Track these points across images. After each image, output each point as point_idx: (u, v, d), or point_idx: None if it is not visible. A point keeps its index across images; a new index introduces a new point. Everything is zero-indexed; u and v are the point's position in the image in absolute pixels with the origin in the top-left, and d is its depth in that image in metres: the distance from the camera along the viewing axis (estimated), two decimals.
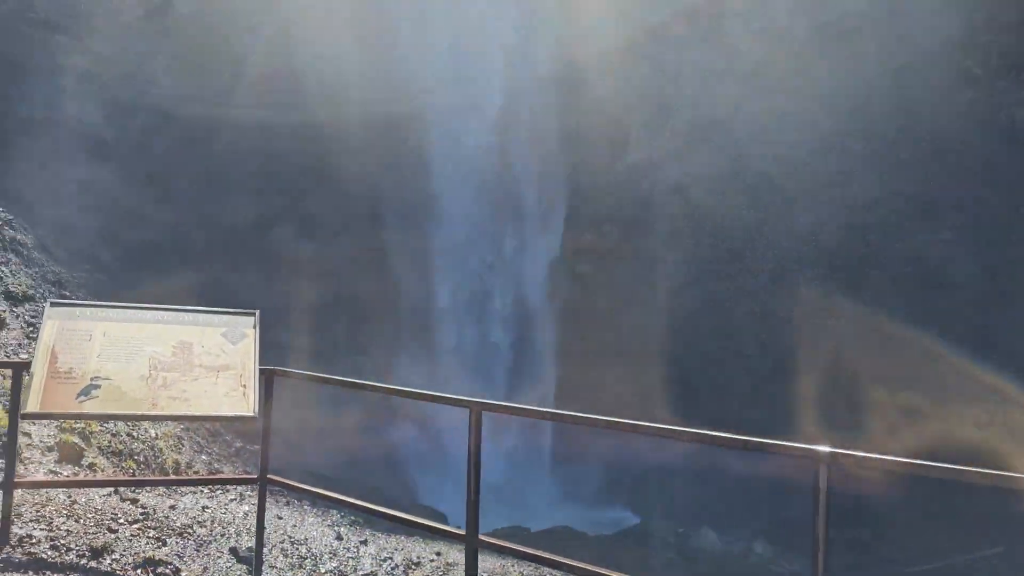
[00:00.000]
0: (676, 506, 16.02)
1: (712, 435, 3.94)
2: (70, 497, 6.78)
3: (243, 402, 5.80)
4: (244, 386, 5.92)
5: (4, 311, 9.16)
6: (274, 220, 14.97)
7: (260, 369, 6.01)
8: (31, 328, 9.07)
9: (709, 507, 15.56)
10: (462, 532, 4.93)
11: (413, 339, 17.96)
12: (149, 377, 5.83)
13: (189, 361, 5.91)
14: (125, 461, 8.72)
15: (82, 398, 5.59)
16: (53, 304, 6.05)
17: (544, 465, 18.26)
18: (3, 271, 9.61)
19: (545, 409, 4.63)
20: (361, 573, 8.86)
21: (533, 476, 17.95)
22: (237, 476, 9.05)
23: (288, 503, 10.22)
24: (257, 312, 6.32)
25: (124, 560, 5.77)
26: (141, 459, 8.75)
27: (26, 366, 5.68)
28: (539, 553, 4.63)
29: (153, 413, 5.65)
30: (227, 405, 5.75)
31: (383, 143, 17.01)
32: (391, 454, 16.19)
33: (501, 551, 4.99)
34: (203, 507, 8.31)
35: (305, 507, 9.70)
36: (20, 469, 7.46)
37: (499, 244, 19.31)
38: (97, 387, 5.68)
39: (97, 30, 13.82)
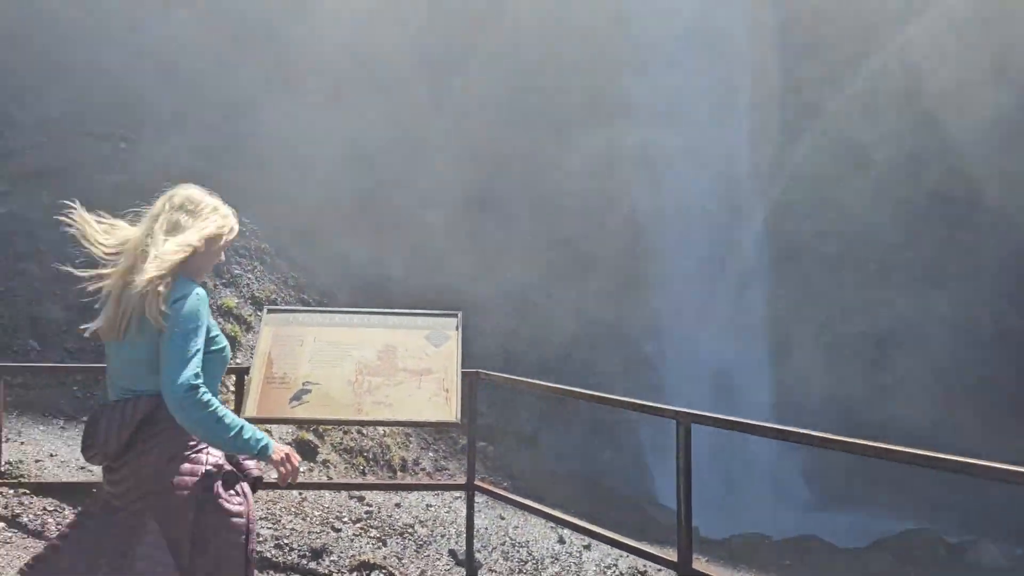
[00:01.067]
0: (941, 513, 14.02)
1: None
2: (300, 494, 7.06)
3: (446, 407, 5.64)
4: (447, 390, 5.76)
5: (250, 315, 9.95)
6: None
7: (463, 372, 5.81)
8: None
9: (987, 515, 13.43)
10: (673, 559, 4.33)
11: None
12: (355, 382, 5.85)
13: (393, 365, 5.85)
14: (356, 458, 9.06)
15: (294, 403, 5.71)
16: (270, 311, 6.29)
17: (780, 465, 16.88)
18: (250, 278, 10.47)
19: (768, 424, 3.89)
20: None
21: (767, 477, 16.71)
22: (444, 483, 9.03)
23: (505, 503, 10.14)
24: (459, 313, 6.14)
25: (341, 562, 5.82)
26: (370, 456, 9.05)
27: (246, 371, 5.93)
28: None
29: (358, 418, 5.66)
30: (429, 410, 5.61)
31: None
32: (628, 450, 15.75)
33: None
34: (427, 505, 8.38)
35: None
36: (260, 465, 7.95)
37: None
38: (308, 392, 5.78)
39: None
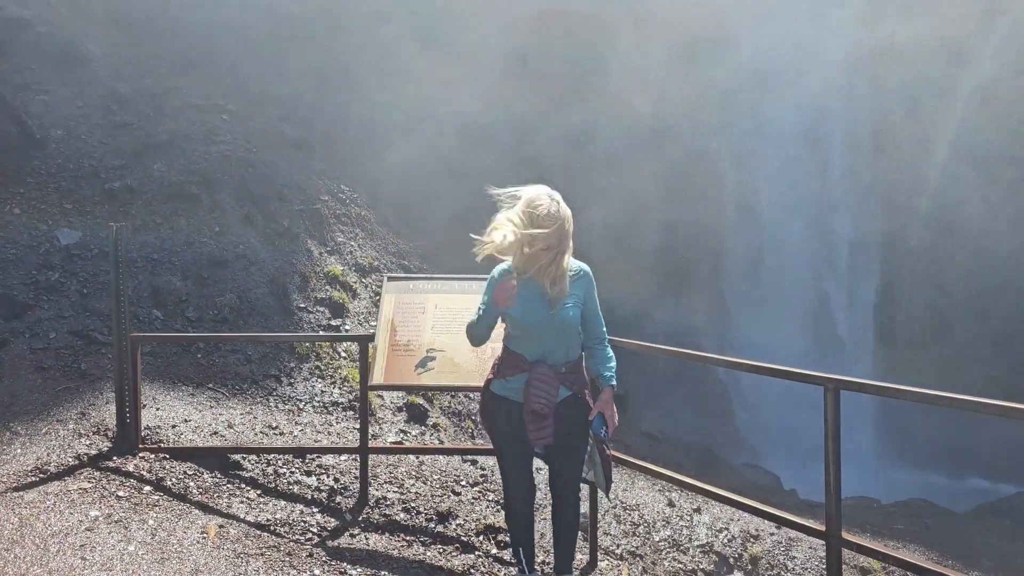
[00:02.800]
0: None
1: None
2: (418, 458, 7.19)
3: None
4: None
5: (356, 282, 10.12)
6: None
7: None
8: (376, 296, 9.92)
9: None
10: (822, 528, 4.21)
11: None
12: (479, 349, 5.89)
13: None
14: (464, 421, 9.18)
15: (420, 370, 5.77)
16: (390, 279, 6.35)
17: (882, 428, 16.40)
18: (353, 245, 10.63)
19: (916, 389, 3.70)
20: (696, 544, 8.45)
21: (869, 440, 16.29)
22: None
23: (617, 464, 10.13)
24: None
25: (467, 525, 5.90)
26: (477, 419, 9.15)
27: (370, 339, 6.01)
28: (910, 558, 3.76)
29: (481, 386, 5.68)
30: None
31: None
32: (720, 416, 15.57)
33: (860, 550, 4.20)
34: (537, 468, 8.45)
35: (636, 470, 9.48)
36: (375, 428, 8.14)
37: None
38: (432, 359, 5.83)
39: None
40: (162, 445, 6.33)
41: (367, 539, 5.34)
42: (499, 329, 4.28)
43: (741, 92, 16.99)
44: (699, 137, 16.50)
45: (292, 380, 8.49)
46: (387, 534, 5.51)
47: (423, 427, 8.60)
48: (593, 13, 15.87)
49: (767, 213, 17.63)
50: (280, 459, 6.51)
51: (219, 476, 6.02)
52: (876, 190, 17.08)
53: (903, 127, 16.58)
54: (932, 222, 16.41)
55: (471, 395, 9.29)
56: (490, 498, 6.83)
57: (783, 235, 17.44)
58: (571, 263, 4.00)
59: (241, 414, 7.52)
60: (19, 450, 5.92)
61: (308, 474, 6.41)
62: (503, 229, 3.90)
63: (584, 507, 5.47)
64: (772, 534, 8.90)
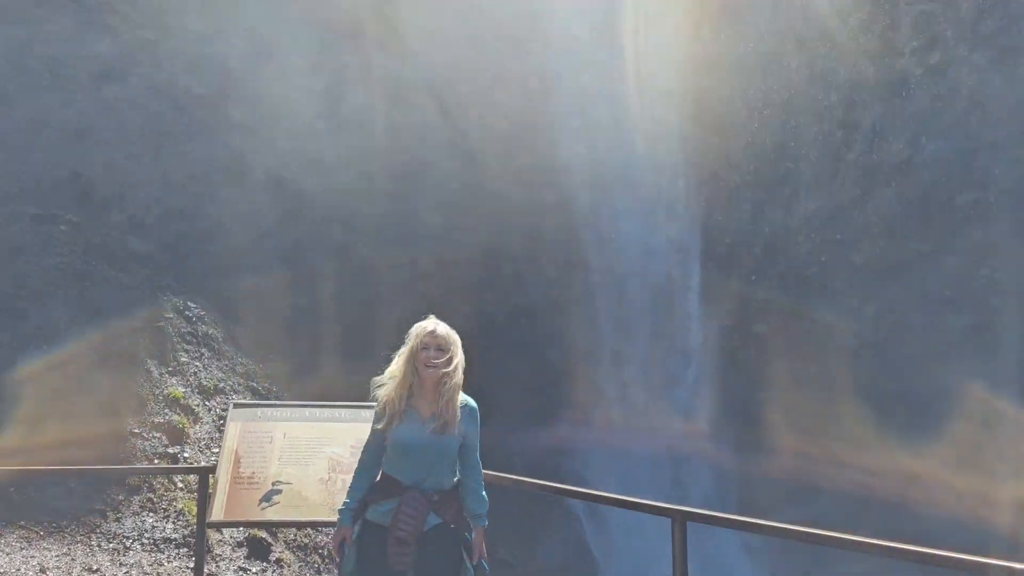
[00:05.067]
0: None
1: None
2: None
3: None
4: None
5: (198, 405, 9.57)
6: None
7: None
8: (221, 421, 9.39)
9: None
10: None
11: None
12: (328, 480, 5.66)
13: None
14: (311, 555, 8.66)
15: (264, 504, 5.47)
16: (236, 406, 6.07)
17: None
18: (197, 366, 10.12)
19: (763, 522, 3.89)
20: None
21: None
22: None
23: None
24: None
25: None
26: (325, 553, 8.67)
27: (211, 470, 5.67)
28: None
29: (332, 520, 5.44)
30: None
31: None
32: (577, 537, 15.54)
33: None
34: None
35: None
36: (212, 567, 7.52)
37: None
38: (278, 492, 5.56)
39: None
40: None
41: None
42: None
43: None
44: None
45: (120, 515, 7.78)
46: None
47: (266, 563, 8.05)
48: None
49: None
50: None
51: None
52: None
53: None
54: None
55: (320, 528, 8.83)
56: None
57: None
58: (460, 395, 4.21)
59: (57, 556, 6.78)
60: None
61: None
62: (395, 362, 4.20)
63: None
64: None
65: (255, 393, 10.50)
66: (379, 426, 4.10)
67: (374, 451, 4.22)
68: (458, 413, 4.08)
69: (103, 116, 13.90)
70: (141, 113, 14.21)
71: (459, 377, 4.15)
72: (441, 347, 4.10)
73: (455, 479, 4.18)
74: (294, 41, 16.01)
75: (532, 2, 18.86)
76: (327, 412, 6.03)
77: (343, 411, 6.08)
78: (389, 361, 4.25)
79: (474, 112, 17.55)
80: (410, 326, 4.26)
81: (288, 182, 14.83)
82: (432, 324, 4.20)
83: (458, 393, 4.13)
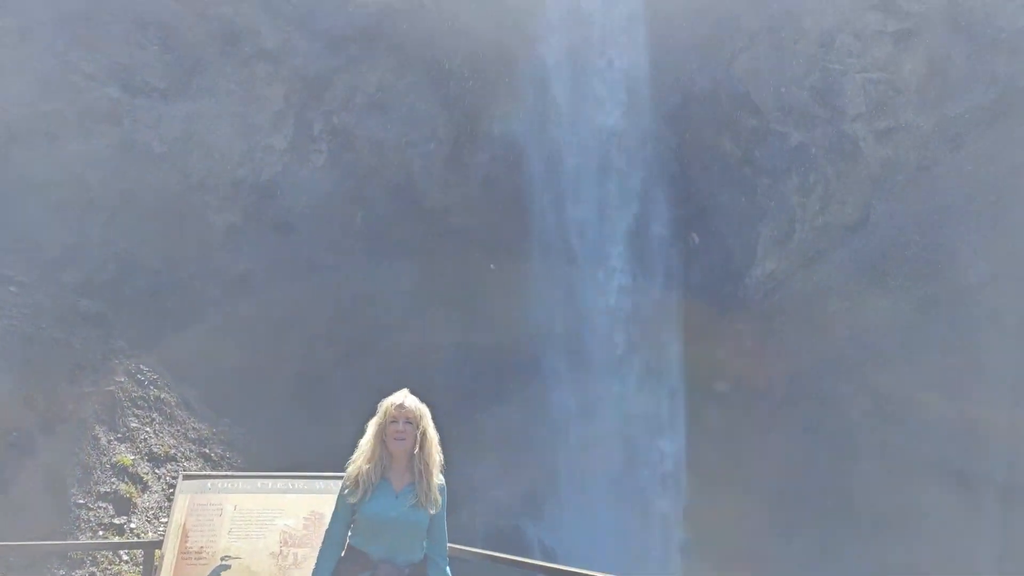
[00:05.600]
0: None
1: None
2: None
3: None
4: None
5: (147, 473, 9.26)
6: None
7: None
8: (171, 489, 9.09)
9: None
10: None
11: None
12: (279, 554, 5.47)
13: (320, 534, 5.52)
14: None
15: None
16: (186, 477, 5.88)
17: None
18: (148, 431, 9.82)
19: None
20: None
21: None
22: None
23: None
24: None
25: None
26: None
27: (158, 545, 5.45)
28: None
29: None
30: None
31: None
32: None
33: None
34: None
35: None
36: None
37: None
38: (227, 567, 5.35)
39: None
40: None
41: None
42: None
43: None
44: None
45: None
46: None
47: None
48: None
49: None
50: None
51: None
52: None
53: None
54: None
55: None
56: None
57: None
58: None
59: None
60: None
61: None
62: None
63: None
64: None
65: (208, 460, 10.21)
66: (352, 499, 4.08)
67: (343, 523, 4.20)
68: (435, 489, 4.11)
69: (60, 173, 13.75)
70: (100, 170, 14.09)
71: (435, 453, 4.16)
72: (410, 420, 4.10)
73: (423, 553, 4.18)
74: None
75: None
76: (280, 483, 5.86)
77: (297, 481, 5.91)
78: (361, 430, 4.23)
79: None
80: (370, 389, 4.26)
81: (248, 238, 14.74)
82: (401, 397, 4.19)
83: (435, 469, 4.14)
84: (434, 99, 16.27)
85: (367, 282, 15.34)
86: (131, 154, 14.38)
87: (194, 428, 10.42)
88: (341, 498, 4.19)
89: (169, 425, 10.14)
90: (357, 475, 4.08)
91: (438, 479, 4.16)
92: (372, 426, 4.15)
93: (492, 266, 15.93)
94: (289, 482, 5.90)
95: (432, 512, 4.10)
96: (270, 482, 5.85)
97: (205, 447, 10.26)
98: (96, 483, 8.70)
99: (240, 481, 5.88)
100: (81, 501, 8.46)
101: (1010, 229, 14.81)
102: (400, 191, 16.56)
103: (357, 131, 15.86)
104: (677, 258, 17.23)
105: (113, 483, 8.78)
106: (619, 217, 17.27)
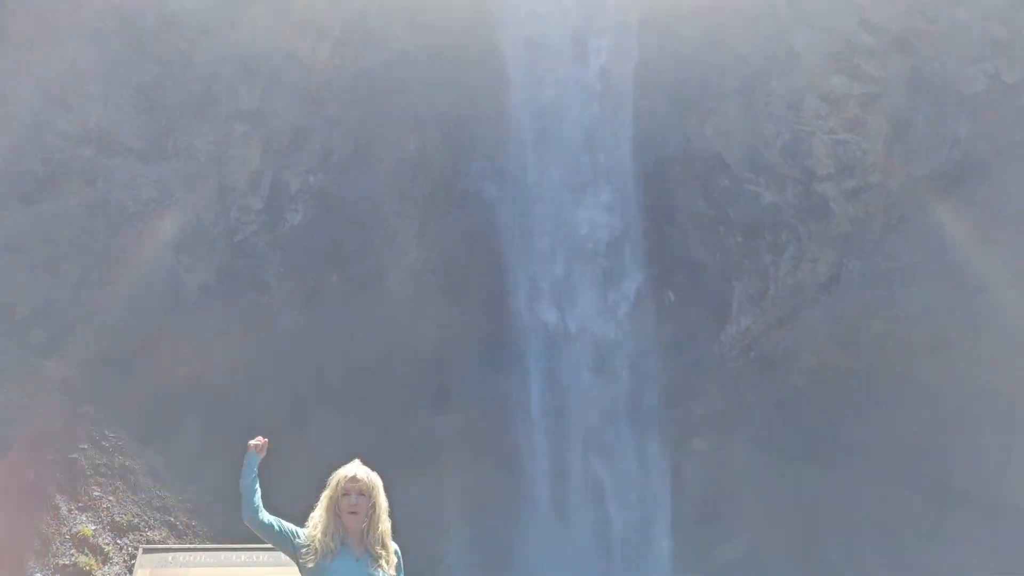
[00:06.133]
0: None
1: None
2: None
3: None
4: None
5: (109, 544, 8.95)
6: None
7: None
8: (133, 560, 8.76)
9: None
10: None
11: None
12: None
13: None
14: None
15: None
16: (146, 551, 5.70)
17: None
18: (110, 500, 9.53)
19: None
20: None
21: None
22: None
23: None
24: None
25: None
26: None
27: None
28: None
29: None
30: None
31: None
32: None
33: None
34: None
35: None
36: None
37: None
38: None
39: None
40: None
41: None
42: None
43: None
44: None
45: None
46: None
47: None
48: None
49: None
50: None
51: None
52: None
53: None
54: None
55: None
56: None
57: None
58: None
59: None
60: None
61: None
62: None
63: None
64: None
65: (172, 529, 9.90)
66: (310, 565, 4.05)
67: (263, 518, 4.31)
68: (392, 552, 4.13)
69: (30, 233, 13.62)
70: (71, 230, 13.98)
71: (386, 523, 4.15)
72: (363, 492, 4.06)
73: None
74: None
75: None
76: (244, 555, 5.69)
77: (262, 554, 5.74)
78: (316, 498, 4.20)
79: None
80: (340, 456, 4.26)
81: (221, 298, 14.61)
82: (353, 469, 4.16)
83: (389, 537, 4.15)
84: (411, 158, 16.41)
85: (343, 342, 15.23)
86: (104, 214, 14.31)
87: (159, 496, 10.13)
88: (299, 563, 4.18)
89: (133, 493, 9.86)
90: (315, 544, 4.07)
91: (393, 545, 4.20)
92: (323, 499, 4.14)
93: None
94: (253, 554, 5.72)
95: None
96: (233, 555, 5.68)
97: (170, 515, 9.96)
98: (55, 555, 8.40)
99: (202, 554, 5.70)
100: (39, 574, 8.14)
101: (978, 286, 15.09)
102: (377, 249, 16.57)
103: (334, 190, 15.92)
104: (651, 316, 17.29)
105: (72, 555, 8.48)
106: (592, 275, 17.38)
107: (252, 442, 4.57)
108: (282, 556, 5.84)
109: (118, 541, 9.11)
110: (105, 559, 8.71)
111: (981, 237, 15.58)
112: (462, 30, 15.99)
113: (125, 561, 8.92)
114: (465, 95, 16.76)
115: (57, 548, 8.45)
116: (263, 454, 4.55)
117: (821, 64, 17.56)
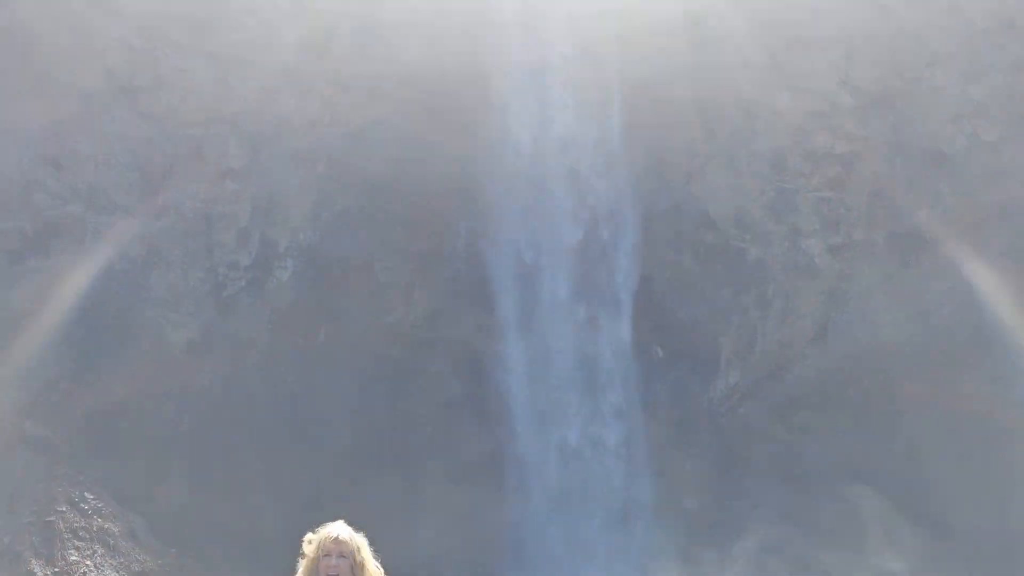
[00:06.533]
0: None
1: None
2: None
3: None
4: None
5: None
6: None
7: None
8: None
9: None
10: None
11: None
12: None
13: None
14: None
15: None
16: None
17: None
18: (88, 565, 9.30)
19: None
20: None
21: None
22: None
23: None
24: None
25: None
26: None
27: None
28: None
29: None
30: None
31: None
32: None
33: None
34: None
35: None
36: None
37: None
38: None
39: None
40: None
41: None
42: None
43: None
44: None
45: None
46: None
47: None
48: None
49: None
50: None
51: None
52: None
53: None
54: None
55: None
56: None
57: None
58: None
59: None
60: None
61: None
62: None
63: None
64: None
65: None
66: None
67: None
68: None
69: (16, 291, 13.59)
70: (58, 287, 13.95)
71: None
72: (344, 554, 3.96)
73: None
74: None
75: None
76: None
77: None
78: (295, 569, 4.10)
79: None
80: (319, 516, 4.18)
81: (207, 355, 14.52)
82: (336, 530, 4.03)
83: None
84: (400, 217, 16.52)
85: (328, 399, 15.13)
86: (91, 271, 14.29)
87: (138, 560, 9.89)
88: None
89: (112, 557, 9.62)
90: None
91: None
92: (305, 562, 4.04)
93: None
94: None
95: None
96: None
97: None
98: None
99: None
100: None
101: (961, 344, 15.22)
102: (365, 306, 16.56)
103: (323, 248, 15.98)
104: (639, 372, 17.27)
105: None
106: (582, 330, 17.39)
107: None
108: None
109: None
110: None
111: (966, 293, 15.76)
112: (453, 90, 16.27)
113: None
114: (456, 155, 16.96)
115: None
116: None
117: (804, 123, 17.93)
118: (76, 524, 9.64)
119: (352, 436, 14.24)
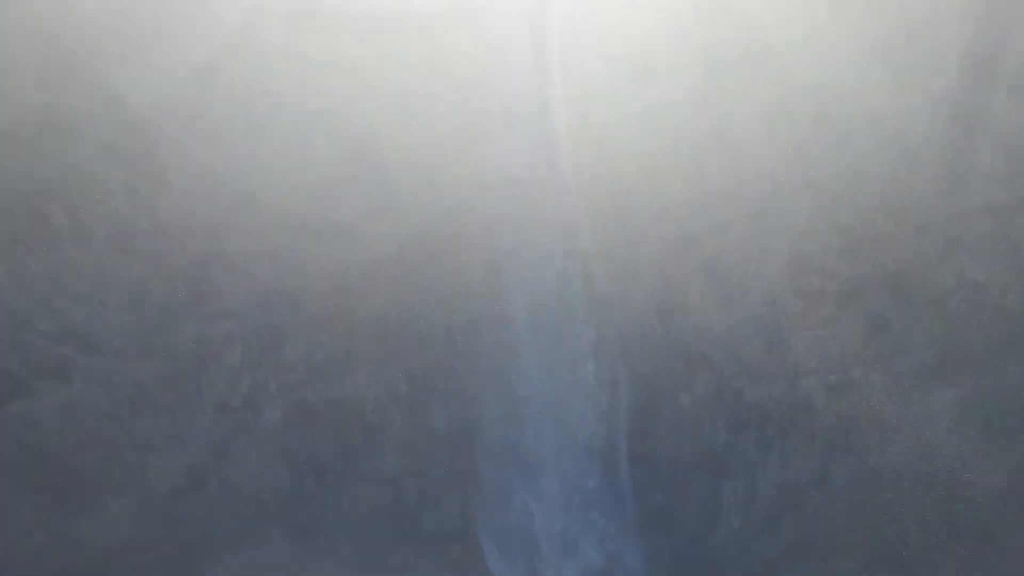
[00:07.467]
0: None
1: None
2: None
3: None
4: None
5: None
6: None
7: None
8: None
9: None
10: None
11: None
12: None
13: None
14: None
15: None
16: None
17: None
18: None
19: None
20: None
21: None
22: None
23: None
24: None
25: None
26: None
27: None
28: None
29: None
30: None
31: None
32: None
33: None
34: None
35: None
36: None
37: None
38: None
39: None
40: None
41: None
42: None
43: None
44: None
45: None
46: None
47: None
48: None
49: None
50: None
51: None
52: None
53: None
54: None
55: None
56: None
57: None
58: None
59: None
60: None
61: None
62: None
63: None
64: None
65: None
66: None
67: None
68: None
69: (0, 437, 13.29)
70: (40, 432, 13.68)
71: None
72: None
73: None
74: None
75: None
76: None
77: None
78: None
79: None
80: None
81: (190, 503, 14.08)
82: None
83: None
84: (394, 358, 16.47)
85: (320, 542, 14.58)
86: (76, 414, 14.06)
87: None
88: None
89: None
90: None
91: None
92: None
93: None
94: None
95: None
96: None
97: None
98: None
99: None
100: None
101: (965, 486, 14.86)
102: (356, 452, 16.22)
103: (314, 389, 15.81)
104: (635, 520, 16.79)
105: None
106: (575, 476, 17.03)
107: None
108: None
109: None
110: None
111: (960, 431, 15.55)
112: (447, 234, 16.57)
113: None
114: (454, 292, 17.09)
115: None
116: None
117: (796, 263, 18.22)
118: None
119: None
